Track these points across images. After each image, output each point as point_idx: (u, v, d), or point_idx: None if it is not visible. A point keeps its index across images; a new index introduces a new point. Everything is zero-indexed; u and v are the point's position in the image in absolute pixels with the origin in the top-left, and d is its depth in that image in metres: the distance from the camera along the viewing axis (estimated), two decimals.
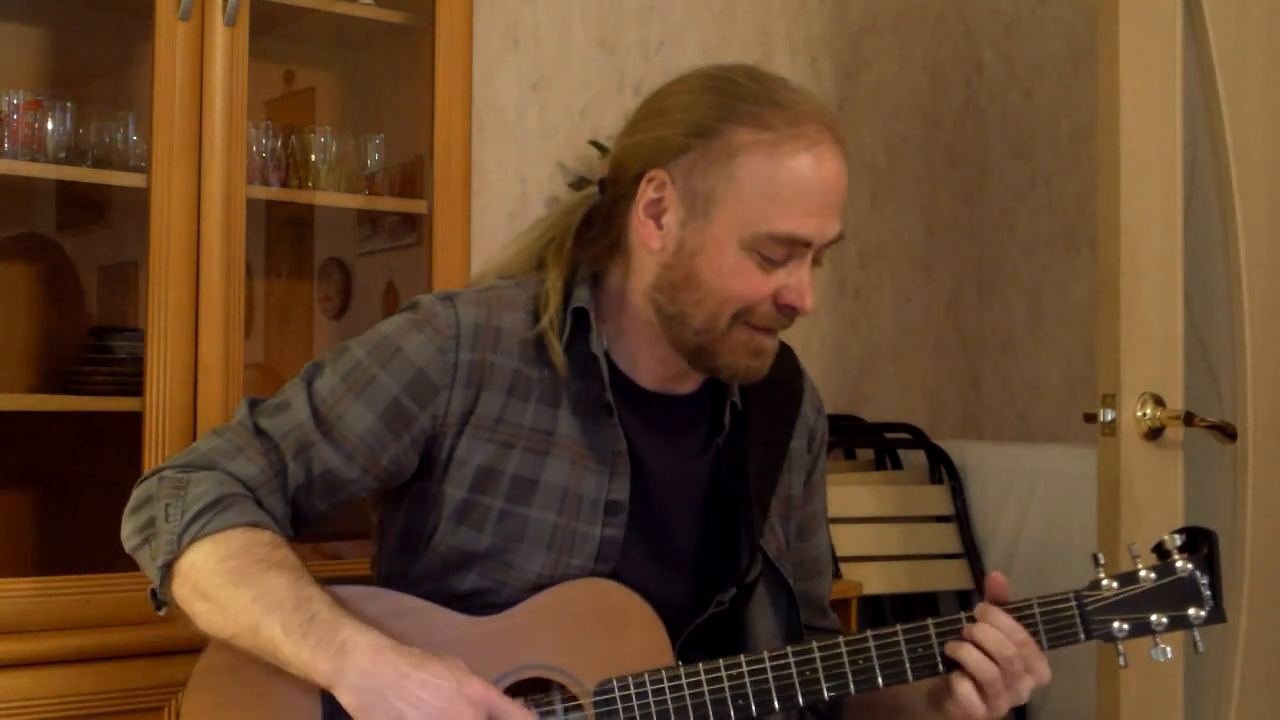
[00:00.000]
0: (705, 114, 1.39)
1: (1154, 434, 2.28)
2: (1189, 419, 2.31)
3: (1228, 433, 2.38)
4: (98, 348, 2.20)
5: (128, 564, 1.99)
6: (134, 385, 2.05)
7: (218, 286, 2.07)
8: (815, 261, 1.40)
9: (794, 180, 1.35)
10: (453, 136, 2.32)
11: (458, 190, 2.33)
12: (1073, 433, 3.27)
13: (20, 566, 2.18)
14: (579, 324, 1.44)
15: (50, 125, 2.09)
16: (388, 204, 2.43)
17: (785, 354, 1.59)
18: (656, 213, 1.40)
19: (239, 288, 2.10)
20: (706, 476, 1.50)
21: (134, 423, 2.03)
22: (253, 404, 1.44)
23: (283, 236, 2.53)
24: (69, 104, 2.11)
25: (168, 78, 2.04)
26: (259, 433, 1.40)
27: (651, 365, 1.47)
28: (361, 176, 2.41)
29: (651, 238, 1.40)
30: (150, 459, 2.01)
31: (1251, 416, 2.48)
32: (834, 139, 1.38)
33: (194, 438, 2.01)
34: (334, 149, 2.37)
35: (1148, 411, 2.28)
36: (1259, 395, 2.49)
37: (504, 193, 2.84)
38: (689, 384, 1.50)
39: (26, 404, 2.10)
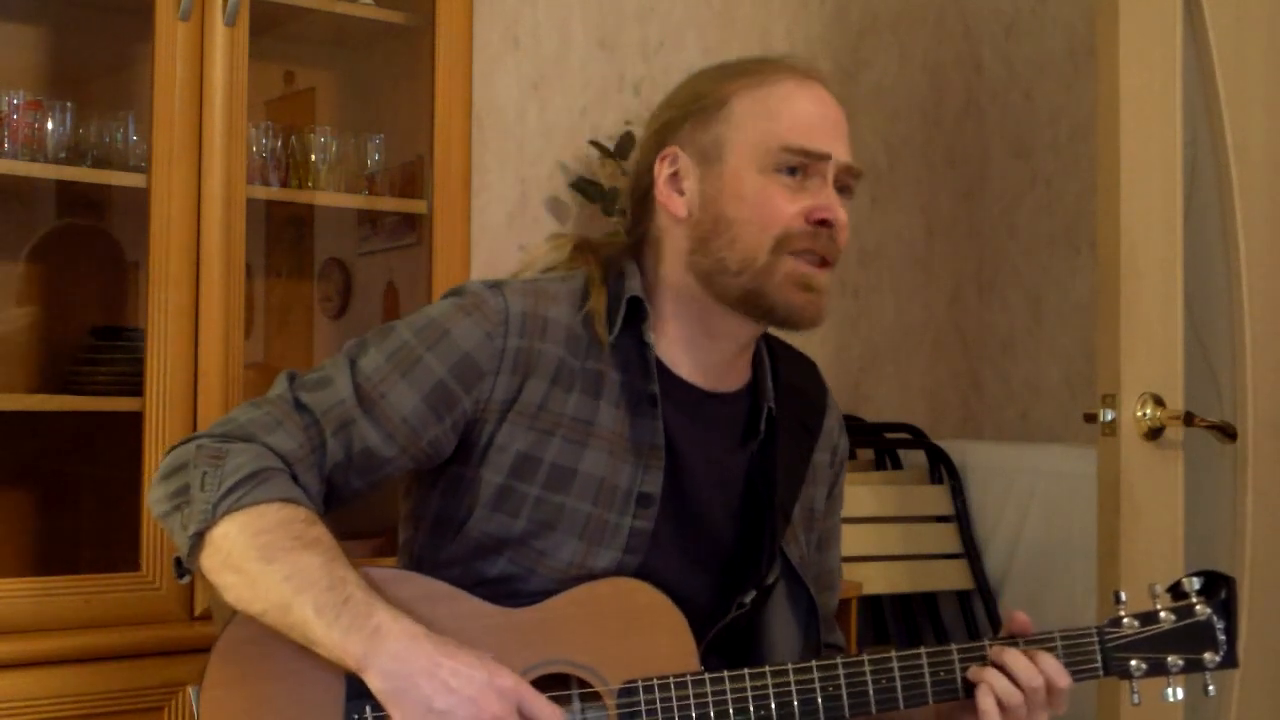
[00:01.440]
0: (698, 90, 1.48)
1: (1154, 434, 2.28)
2: (1189, 419, 2.31)
3: (1228, 433, 2.38)
4: (98, 348, 2.19)
5: (128, 564, 2.02)
6: (134, 385, 2.05)
7: (218, 286, 2.07)
8: (844, 190, 1.47)
9: (786, 99, 1.44)
10: (453, 136, 2.32)
11: (458, 190, 2.33)
12: (1073, 433, 3.27)
13: (20, 566, 2.18)
14: (632, 312, 1.46)
15: (50, 125, 2.09)
16: (388, 204, 2.43)
17: (810, 369, 1.63)
18: (677, 184, 1.46)
19: (239, 288, 2.10)
20: (740, 478, 1.51)
21: (134, 423, 2.03)
22: (292, 378, 1.43)
23: (283, 236, 2.53)
24: (69, 104, 2.11)
25: (168, 78, 2.04)
26: (299, 407, 1.39)
27: (695, 353, 1.48)
28: (361, 176, 2.41)
29: (678, 207, 1.45)
30: (150, 459, 2.01)
31: (1251, 416, 2.48)
32: (819, 79, 1.47)
33: None
34: (334, 149, 2.37)
35: (1148, 411, 2.28)
36: (1259, 395, 2.49)
37: (504, 193, 2.83)
38: (731, 381, 1.51)
39: (26, 404, 2.09)
